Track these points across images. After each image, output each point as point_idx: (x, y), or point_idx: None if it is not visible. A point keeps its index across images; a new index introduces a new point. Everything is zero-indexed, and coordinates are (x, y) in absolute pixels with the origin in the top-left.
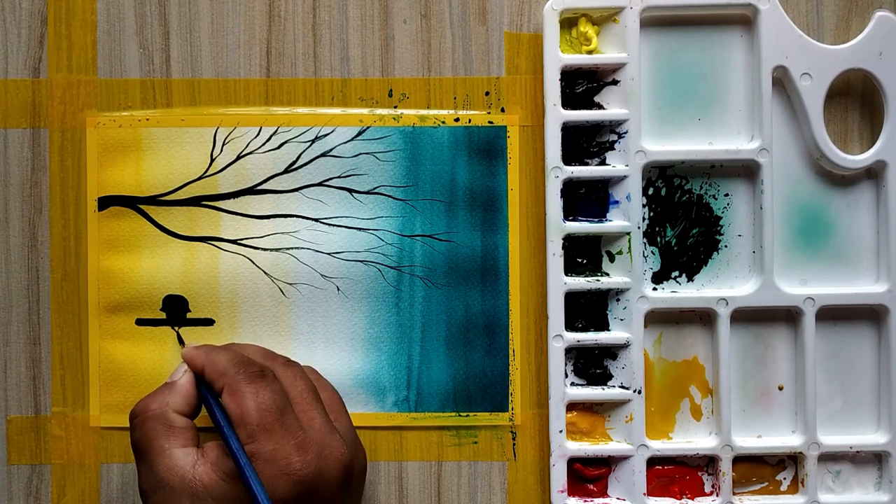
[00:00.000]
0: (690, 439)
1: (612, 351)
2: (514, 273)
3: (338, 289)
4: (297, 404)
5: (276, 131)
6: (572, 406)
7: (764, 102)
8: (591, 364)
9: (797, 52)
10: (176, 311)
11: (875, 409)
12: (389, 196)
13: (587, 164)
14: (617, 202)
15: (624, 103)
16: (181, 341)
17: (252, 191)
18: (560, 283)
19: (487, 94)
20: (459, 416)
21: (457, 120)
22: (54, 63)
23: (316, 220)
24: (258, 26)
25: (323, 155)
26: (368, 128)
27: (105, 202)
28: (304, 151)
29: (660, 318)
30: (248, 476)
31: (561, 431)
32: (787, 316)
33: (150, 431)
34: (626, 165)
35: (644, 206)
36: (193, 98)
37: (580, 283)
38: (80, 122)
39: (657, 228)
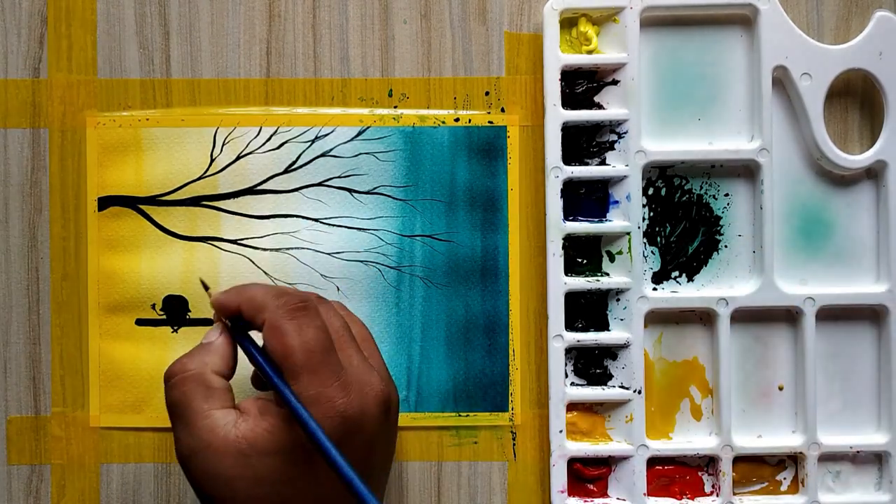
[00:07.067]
0: (690, 439)
1: (612, 351)
2: (514, 273)
3: (338, 289)
4: (335, 342)
5: (276, 131)
6: (572, 406)
7: (764, 102)
8: (591, 364)
9: (797, 52)
10: (176, 311)
11: (875, 409)
12: (389, 196)
13: (587, 164)
14: (617, 202)
15: (624, 103)
16: (206, 286)
17: (252, 191)
18: (560, 283)
19: (487, 94)
20: (459, 416)
21: (457, 120)
22: (54, 63)
23: (316, 220)
24: (258, 26)
25: (323, 155)
26: (368, 128)
27: (105, 202)
28: (304, 151)
29: (660, 318)
30: (302, 415)
31: (561, 431)
32: (787, 316)
33: (188, 392)
34: (626, 165)
35: (644, 206)
36: (193, 98)
37: (580, 283)
38: (80, 122)
39: (657, 228)
